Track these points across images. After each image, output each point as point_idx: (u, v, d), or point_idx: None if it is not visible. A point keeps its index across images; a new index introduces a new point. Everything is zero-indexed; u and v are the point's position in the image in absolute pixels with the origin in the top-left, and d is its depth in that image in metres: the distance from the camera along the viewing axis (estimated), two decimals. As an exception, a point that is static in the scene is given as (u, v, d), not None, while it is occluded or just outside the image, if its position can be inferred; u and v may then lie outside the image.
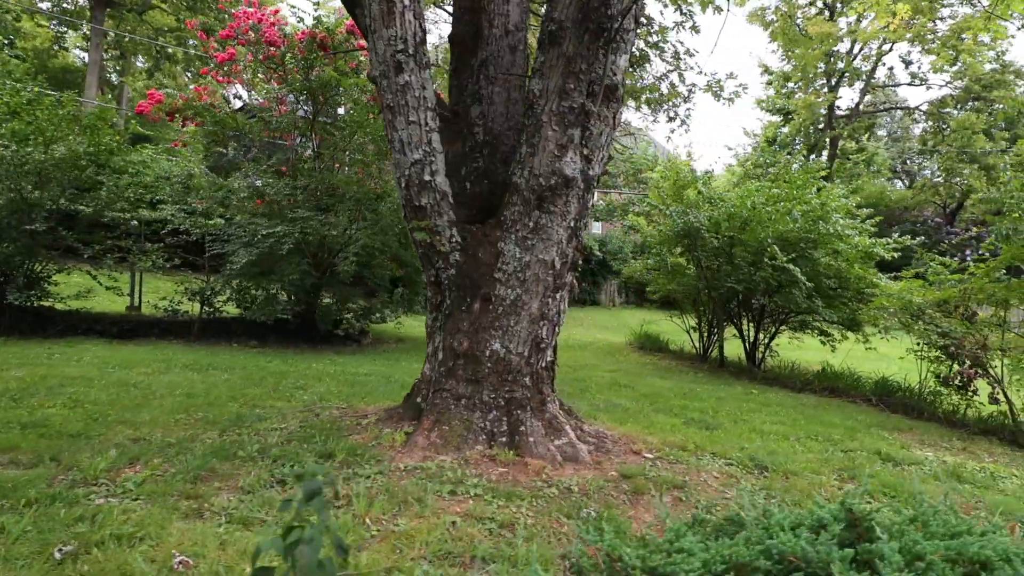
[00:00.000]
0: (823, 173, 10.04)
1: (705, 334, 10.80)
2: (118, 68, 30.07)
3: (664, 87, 10.14)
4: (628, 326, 14.00)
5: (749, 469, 4.14)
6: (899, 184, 37.02)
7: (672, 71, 9.67)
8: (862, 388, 8.14)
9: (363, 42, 10.17)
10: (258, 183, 9.48)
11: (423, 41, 3.52)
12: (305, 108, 9.68)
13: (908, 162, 36.63)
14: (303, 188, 8.95)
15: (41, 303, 8.84)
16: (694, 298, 10.53)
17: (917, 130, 34.33)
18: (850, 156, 27.79)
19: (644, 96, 10.47)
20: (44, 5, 26.60)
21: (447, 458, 3.61)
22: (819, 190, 9.18)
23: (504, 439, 3.86)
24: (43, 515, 2.68)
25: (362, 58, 10.17)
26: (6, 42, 20.57)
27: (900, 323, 7.51)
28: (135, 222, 9.44)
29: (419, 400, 4.22)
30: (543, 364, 3.99)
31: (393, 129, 3.58)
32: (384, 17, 3.56)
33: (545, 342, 3.99)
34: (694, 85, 10.26)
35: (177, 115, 9.49)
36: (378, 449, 3.69)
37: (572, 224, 3.93)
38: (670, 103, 10.11)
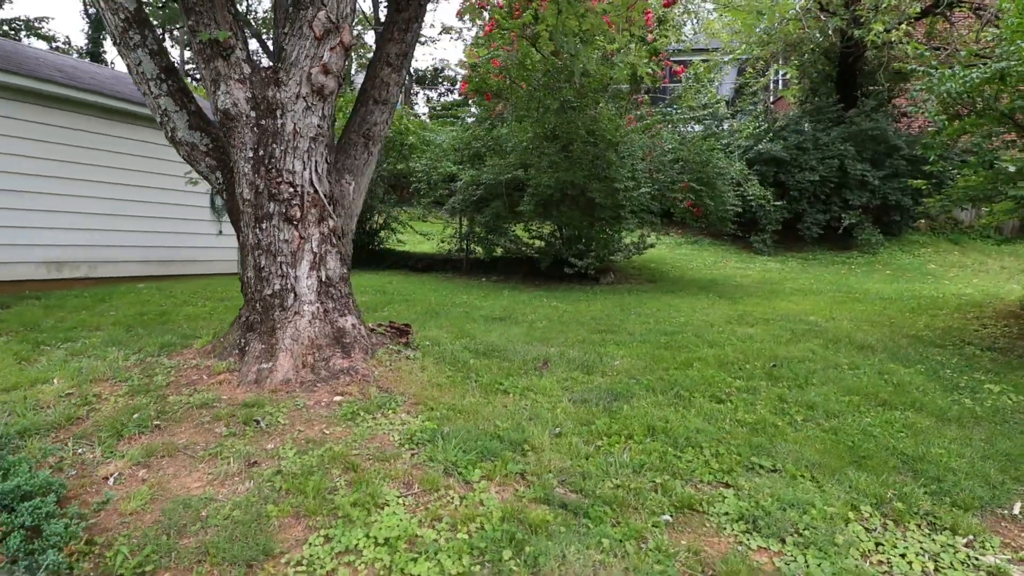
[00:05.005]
0: None
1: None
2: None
3: None
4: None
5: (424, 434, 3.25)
6: None
7: None
8: None
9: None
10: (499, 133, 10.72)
11: (127, 28, 4.14)
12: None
13: None
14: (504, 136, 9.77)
15: (383, 247, 12.84)
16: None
17: None
18: None
19: None
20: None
21: (197, 361, 4.42)
22: None
23: (247, 357, 4.32)
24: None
25: None
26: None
27: None
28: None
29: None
30: (269, 292, 4.14)
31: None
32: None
33: (267, 271, 4.12)
34: None
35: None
36: (183, 346, 4.82)
37: (251, 155, 3.88)
38: None
